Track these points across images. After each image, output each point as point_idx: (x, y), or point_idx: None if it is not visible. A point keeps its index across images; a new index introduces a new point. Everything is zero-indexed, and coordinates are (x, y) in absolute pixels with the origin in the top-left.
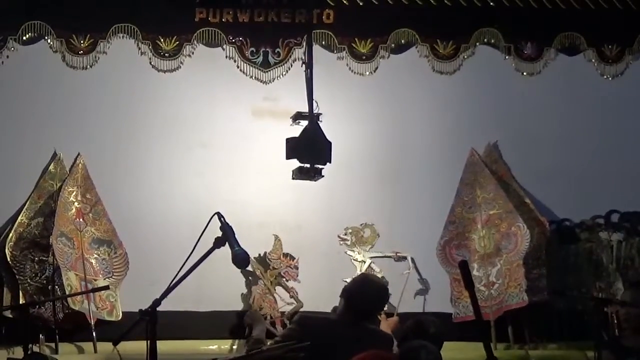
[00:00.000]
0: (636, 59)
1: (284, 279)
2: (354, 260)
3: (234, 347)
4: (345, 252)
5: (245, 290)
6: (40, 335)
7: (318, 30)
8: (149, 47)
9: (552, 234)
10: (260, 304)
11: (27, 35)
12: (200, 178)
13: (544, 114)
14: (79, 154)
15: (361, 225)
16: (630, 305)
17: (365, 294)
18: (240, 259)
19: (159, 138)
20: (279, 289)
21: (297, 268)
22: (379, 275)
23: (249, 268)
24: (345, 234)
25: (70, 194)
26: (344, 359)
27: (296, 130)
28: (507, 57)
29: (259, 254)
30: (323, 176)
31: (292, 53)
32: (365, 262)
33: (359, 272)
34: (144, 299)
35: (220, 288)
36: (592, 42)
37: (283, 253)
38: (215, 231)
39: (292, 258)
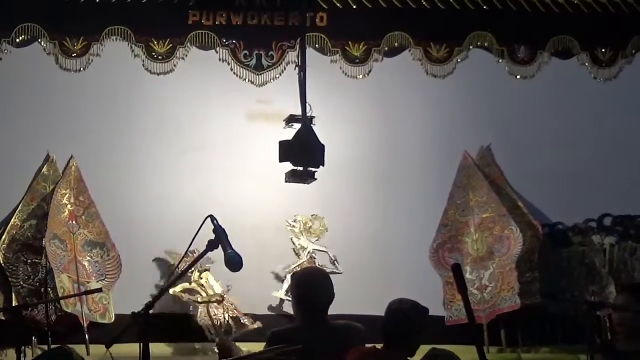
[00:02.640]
0: (629, 63)
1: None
2: (296, 246)
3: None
4: (291, 239)
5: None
6: (33, 338)
7: (311, 33)
8: (142, 49)
9: (545, 238)
10: (213, 313)
11: (21, 38)
12: (194, 180)
13: (537, 117)
14: (72, 156)
15: (312, 215)
16: (622, 309)
17: (314, 289)
18: (233, 261)
19: (152, 140)
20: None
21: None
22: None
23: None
24: (295, 221)
25: (63, 196)
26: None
27: (289, 133)
28: (500, 60)
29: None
30: (316, 179)
31: (286, 56)
32: (306, 248)
33: (296, 261)
34: (137, 301)
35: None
36: (585, 45)
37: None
38: (208, 234)
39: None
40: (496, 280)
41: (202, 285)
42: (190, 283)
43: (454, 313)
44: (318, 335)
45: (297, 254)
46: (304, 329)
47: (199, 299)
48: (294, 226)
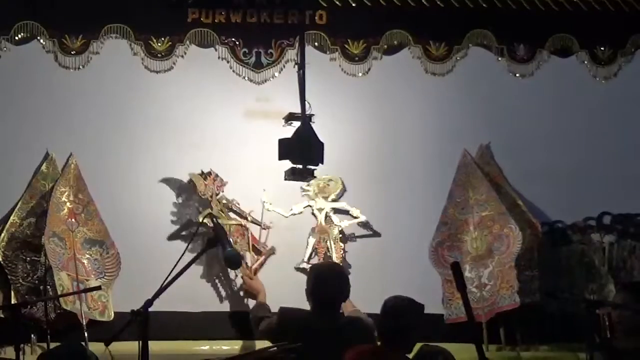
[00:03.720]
0: (628, 61)
1: (222, 198)
2: (314, 209)
3: (225, 347)
4: (308, 206)
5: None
6: (32, 336)
7: (311, 31)
8: (142, 47)
9: (544, 236)
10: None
11: (20, 35)
12: None
13: (537, 116)
14: (71, 154)
15: (326, 176)
16: (621, 307)
17: (325, 284)
18: (232, 259)
19: (151, 138)
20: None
21: (222, 181)
22: (338, 227)
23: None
24: (309, 185)
25: (62, 194)
26: (326, 352)
27: (289, 131)
28: (499, 58)
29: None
30: (315, 177)
31: (285, 54)
32: (323, 209)
33: (317, 222)
34: (136, 299)
35: (214, 288)
36: (585, 44)
37: (202, 174)
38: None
39: (213, 175)
40: (495, 279)
41: (222, 210)
42: (211, 209)
43: (453, 311)
44: (326, 326)
45: (315, 216)
46: (313, 317)
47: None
48: (307, 190)
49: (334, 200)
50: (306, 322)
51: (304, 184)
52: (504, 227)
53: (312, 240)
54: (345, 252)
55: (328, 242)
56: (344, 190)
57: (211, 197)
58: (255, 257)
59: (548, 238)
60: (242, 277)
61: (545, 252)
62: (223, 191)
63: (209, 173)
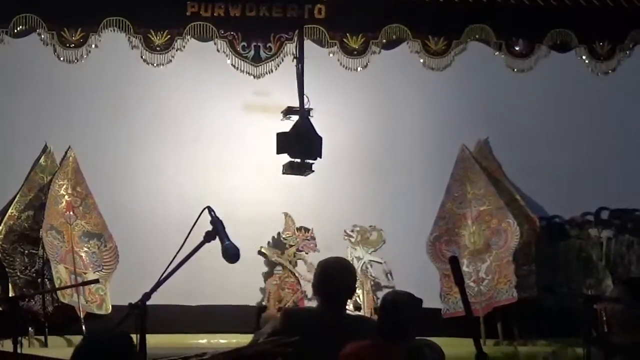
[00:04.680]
0: (627, 56)
1: (304, 252)
2: (352, 256)
3: (222, 341)
4: (347, 248)
5: (236, 284)
6: (30, 328)
7: (309, 25)
8: (140, 40)
9: (542, 231)
10: (279, 296)
11: (19, 28)
12: (191, 172)
13: (535, 111)
14: (69, 147)
15: (370, 227)
16: (617, 302)
17: (330, 279)
18: (230, 253)
19: (150, 131)
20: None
21: (314, 239)
22: (373, 279)
23: (263, 265)
24: (352, 231)
25: (60, 187)
26: (329, 349)
27: (287, 125)
28: (498, 53)
29: (273, 237)
30: (313, 171)
31: (284, 48)
32: (362, 259)
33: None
34: (134, 292)
35: (211, 282)
36: (583, 39)
37: (296, 227)
38: (206, 225)
39: (307, 230)
40: (493, 273)
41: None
42: (282, 253)
43: (450, 306)
44: (329, 322)
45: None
46: (318, 314)
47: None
48: (351, 236)
49: (374, 252)
50: (310, 320)
51: (348, 229)
52: (501, 222)
53: None
54: (378, 300)
55: (361, 291)
56: (383, 243)
57: (291, 245)
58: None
59: (546, 233)
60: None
61: (543, 246)
62: (307, 252)
63: (307, 229)
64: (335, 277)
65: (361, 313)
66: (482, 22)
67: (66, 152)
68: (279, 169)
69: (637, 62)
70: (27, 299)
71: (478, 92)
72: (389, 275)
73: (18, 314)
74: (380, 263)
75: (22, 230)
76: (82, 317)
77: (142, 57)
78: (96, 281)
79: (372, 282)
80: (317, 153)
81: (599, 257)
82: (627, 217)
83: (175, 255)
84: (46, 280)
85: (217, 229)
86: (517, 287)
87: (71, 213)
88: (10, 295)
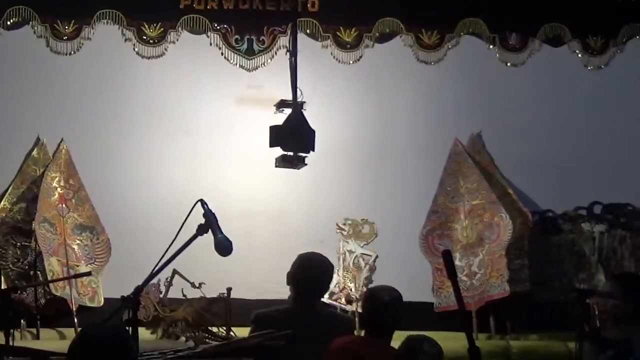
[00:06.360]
0: (620, 51)
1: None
2: (344, 249)
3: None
4: (339, 241)
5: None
6: (22, 321)
7: (303, 19)
8: (134, 33)
9: (535, 225)
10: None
11: (12, 20)
12: (184, 165)
13: (528, 105)
14: (62, 139)
15: (361, 220)
16: (608, 297)
17: (307, 272)
18: (223, 246)
19: (142, 124)
20: None
21: None
22: (364, 273)
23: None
24: (344, 224)
25: (53, 180)
26: (304, 346)
27: (280, 118)
28: (491, 47)
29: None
30: (306, 164)
31: (277, 41)
32: (353, 252)
33: (342, 263)
34: (126, 285)
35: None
36: (577, 33)
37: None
38: (199, 218)
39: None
40: (485, 267)
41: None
42: None
43: (443, 300)
44: (304, 320)
45: (343, 256)
46: (290, 313)
47: None
48: (343, 229)
49: (365, 245)
50: (283, 320)
51: (340, 222)
52: (494, 216)
53: (335, 279)
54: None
55: (353, 284)
56: (375, 237)
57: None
58: None
59: (538, 227)
60: None
61: (535, 241)
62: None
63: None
64: (314, 273)
65: (353, 307)
66: (475, 15)
67: (59, 145)
68: (272, 162)
69: (629, 56)
70: (19, 292)
71: (471, 85)
72: (372, 268)
73: (10, 306)
74: (370, 256)
75: (15, 222)
76: (74, 309)
77: (135, 49)
78: (88, 274)
79: (365, 276)
80: (310, 146)
81: (592, 251)
82: (619, 212)
83: (168, 248)
84: (38, 272)
85: (210, 222)
86: (510, 282)
87: (64, 205)
88: (2, 287)
